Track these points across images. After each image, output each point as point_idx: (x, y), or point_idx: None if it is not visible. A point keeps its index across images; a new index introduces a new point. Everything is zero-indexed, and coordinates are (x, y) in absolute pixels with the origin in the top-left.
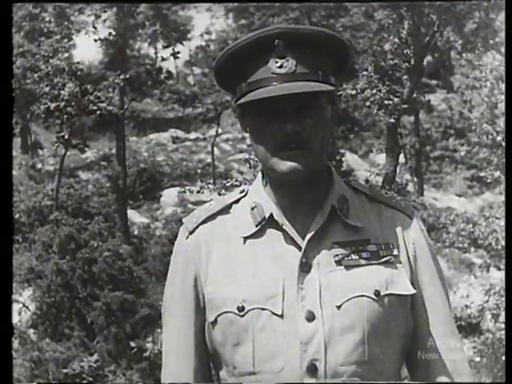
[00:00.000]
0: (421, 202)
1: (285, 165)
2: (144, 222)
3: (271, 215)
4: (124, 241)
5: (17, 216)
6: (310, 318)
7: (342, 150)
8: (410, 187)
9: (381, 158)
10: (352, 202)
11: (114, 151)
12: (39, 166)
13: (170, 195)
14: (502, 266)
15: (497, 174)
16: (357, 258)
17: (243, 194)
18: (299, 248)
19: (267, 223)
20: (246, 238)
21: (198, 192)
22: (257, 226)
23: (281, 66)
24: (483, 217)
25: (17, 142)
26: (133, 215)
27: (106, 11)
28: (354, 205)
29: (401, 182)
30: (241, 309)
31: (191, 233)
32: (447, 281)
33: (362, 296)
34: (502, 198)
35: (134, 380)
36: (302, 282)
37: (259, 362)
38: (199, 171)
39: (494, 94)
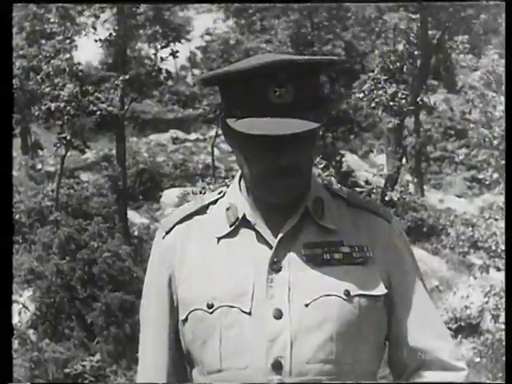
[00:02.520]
0: (421, 202)
1: (275, 192)
2: (144, 222)
3: (244, 215)
4: (124, 241)
5: (17, 217)
6: (278, 315)
7: (342, 151)
8: (411, 188)
9: (381, 159)
10: (328, 204)
11: (114, 152)
12: (39, 166)
13: (169, 196)
14: (502, 267)
15: (496, 175)
16: (328, 258)
17: (221, 195)
18: (271, 247)
19: (241, 223)
20: (219, 238)
21: (201, 193)
22: (231, 227)
23: (279, 96)
24: (483, 218)
25: (17, 142)
26: (133, 216)
27: (103, 11)
28: (329, 207)
29: (401, 183)
30: (210, 306)
31: (167, 233)
32: (447, 282)
33: (332, 295)
34: (502, 198)
35: (135, 380)
36: (271, 280)
37: (226, 359)
38: (199, 172)
39: (493, 96)
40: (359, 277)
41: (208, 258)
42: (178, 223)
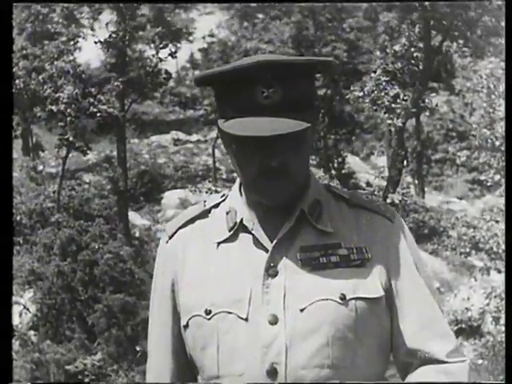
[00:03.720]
0: (422, 204)
1: (265, 193)
2: (145, 224)
3: (242, 220)
4: (125, 243)
5: (18, 218)
6: (273, 321)
7: (344, 153)
8: (412, 190)
9: (382, 161)
10: (328, 206)
11: (115, 153)
12: (40, 167)
13: (171, 197)
14: (503, 269)
15: (497, 177)
16: (324, 261)
17: (223, 199)
18: (267, 252)
19: (239, 228)
20: (219, 243)
21: (207, 193)
22: (230, 231)
23: (267, 97)
24: (484, 220)
25: (18, 143)
26: (134, 217)
27: (100, 12)
28: (329, 210)
29: (402, 185)
30: (208, 312)
31: (170, 237)
32: (448, 284)
33: (327, 299)
34: (503, 200)
35: (136, 381)
36: (267, 286)
37: (223, 365)
38: (200, 173)
39: (493, 99)
40: (356, 279)
41: (207, 264)
42: (180, 227)
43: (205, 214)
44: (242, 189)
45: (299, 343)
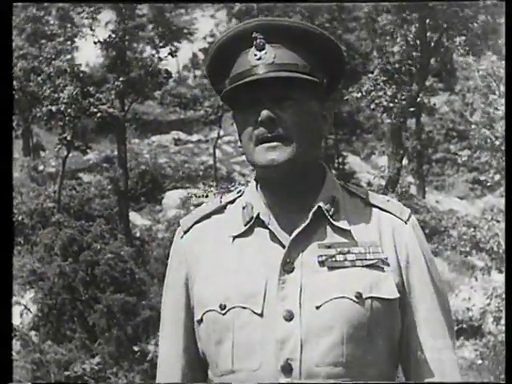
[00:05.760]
0: (423, 204)
1: (264, 157)
2: (146, 224)
3: (258, 214)
4: (126, 243)
5: (19, 218)
6: (289, 317)
7: (345, 153)
8: (412, 189)
9: (383, 161)
10: (344, 204)
11: (115, 153)
12: (41, 167)
13: (172, 197)
14: (504, 269)
15: (497, 177)
16: (341, 259)
17: (239, 195)
18: (284, 247)
19: (255, 222)
20: (234, 237)
21: (203, 196)
22: (245, 226)
23: (259, 58)
24: (484, 220)
25: (18, 143)
26: (134, 217)
27: (100, 12)
28: (345, 207)
29: (403, 185)
30: (223, 307)
31: (186, 232)
32: (449, 284)
33: (343, 297)
34: (503, 200)
35: (136, 382)
36: (283, 281)
37: (238, 360)
38: (201, 173)
39: (493, 98)
40: (372, 279)
41: (223, 258)
42: (196, 223)
43: (221, 209)
44: (257, 182)
45: (314, 340)
